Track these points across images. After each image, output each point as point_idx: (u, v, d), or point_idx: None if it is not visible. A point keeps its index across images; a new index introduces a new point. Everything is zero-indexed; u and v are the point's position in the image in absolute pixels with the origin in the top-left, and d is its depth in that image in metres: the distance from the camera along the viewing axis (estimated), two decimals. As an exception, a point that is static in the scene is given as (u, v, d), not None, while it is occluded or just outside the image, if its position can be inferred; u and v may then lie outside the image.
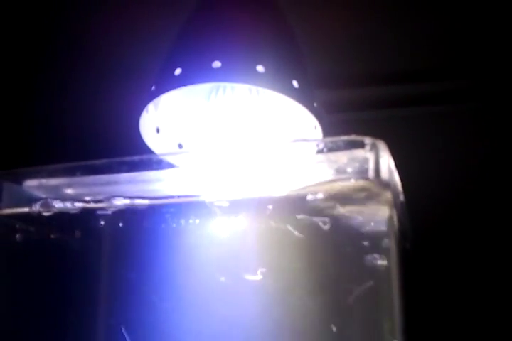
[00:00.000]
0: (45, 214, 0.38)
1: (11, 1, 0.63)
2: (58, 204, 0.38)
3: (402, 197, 0.36)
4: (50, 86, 0.71)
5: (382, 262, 0.33)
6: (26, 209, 0.39)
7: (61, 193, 0.40)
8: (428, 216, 0.58)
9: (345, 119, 0.69)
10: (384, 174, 0.34)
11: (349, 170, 0.34)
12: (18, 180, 0.40)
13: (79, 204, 0.38)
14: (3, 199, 0.40)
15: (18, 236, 0.40)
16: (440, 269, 0.64)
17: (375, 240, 0.34)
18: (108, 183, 0.39)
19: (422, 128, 0.71)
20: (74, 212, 0.38)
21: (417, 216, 0.39)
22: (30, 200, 0.39)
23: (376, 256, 0.34)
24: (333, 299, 0.34)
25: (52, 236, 0.40)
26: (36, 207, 0.39)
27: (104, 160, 0.39)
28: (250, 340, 0.35)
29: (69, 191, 0.40)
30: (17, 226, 0.40)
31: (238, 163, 0.39)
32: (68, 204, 0.38)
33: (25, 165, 0.41)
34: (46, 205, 0.38)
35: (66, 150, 0.71)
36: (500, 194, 0.68)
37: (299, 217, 0.36)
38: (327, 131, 0.46)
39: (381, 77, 0.70)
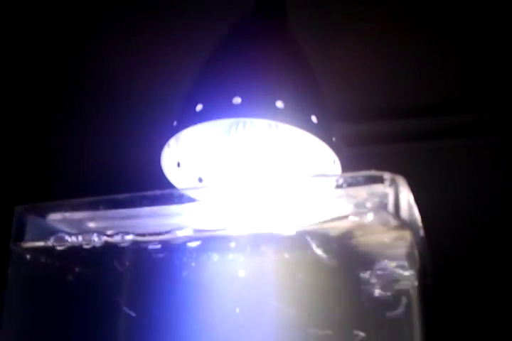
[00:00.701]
0: (62, 248, 0.39)
1: (35, 35, 0.64)
2: (78, 238, 0.39)
3: (422, 233, 0.36)
4: (74, 120, 0.73)
5: (402, 298, 0.33)
6: (48, 243, 0.40)
7: (84, 227, 0.40)
8: (449, 252, 0.58)
9: (364, 153, 0.69)
10: (404, 209, 0.34)
11: (368, 205, 0.34)
12: (42, 213, 0.41)
13: (96, 239, 0.39)
14: (28, 233, 0.41)
15: (42, 269, 0.41)
16: (462, 305, 0.63)
17: (395, 276, 0.34)
18: (130, 217, 0.40)
19: (442, 162, 0.71)
20: (91, 246, 0.39)
21: (438, 252, 0.39)
22: (54, 234, 0.40)
23: (396, 292, 0.33)
24: (351, 336, 0.34)
25: (74, 270, 0.40)
26: (54, 241, 0.39)
27: (127, 195, 0.39)
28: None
29: (92, 225, 0.40)
30: (41, 259, 0.41)
31: (258, 198, 0.39)
32: (87, 238, 0.39)
33: (48, 199, 0.42)
34: (61, 239, 0.39)
35: (89, 185, 0.72)
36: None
37: (318, 252, 0.36)
38: (346, 165, 0.47)
39: (401, 111, 0.70)
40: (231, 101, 0.43)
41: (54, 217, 0.41)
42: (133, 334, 0.39)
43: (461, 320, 0.62)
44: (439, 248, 0.41)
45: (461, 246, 0.65)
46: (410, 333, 0.33)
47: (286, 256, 0.37)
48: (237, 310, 0.36)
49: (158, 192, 0.39)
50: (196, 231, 0.38)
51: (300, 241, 0.36)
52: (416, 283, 0.34)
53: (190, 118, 0.44)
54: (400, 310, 0.33)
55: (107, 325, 0.39)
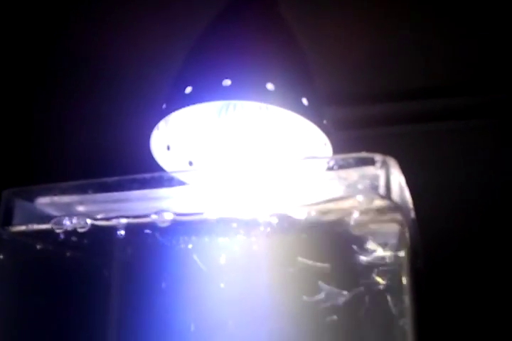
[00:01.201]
0: (57, 231, 0.39)
1: (16, 21, 0.63)
2: (69, 222, 0.39)
3: (413, 215, 0.36)
4: (63, 103, 0.72)
5: (393, 280, 0.33)
6: (38, 227, 0.40)
7: (73, 210, 0.40)
8: (440, 234, 0.58)
9: (356, 136, 0.69)
10: (394, 191, 0.33)
11: (359, 187, 0.34)
12: (30, 197, 0.41)
13: (89, 222, 0.38)
14: (15, 217, 0.40)
15: (30, 253, 0.40)
16: (452, 287, 0.63)
17: (385, 258, 0.34)
18: (119, 200, 0.39)
19: (433, 145, 0.71)
20: (84, 229, 0.38)
21: (429, 234, 0.39)
22: (42, 217, 0.40)
23: (387, 273, 0.33)
24: (343, 317, 0.34)
25: (64, 253, 0.40)
26: (48, 225, 0.39)
27: (116, 178, 0.39)
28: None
29: (80, 208, 0.40)
30: (29, 243, 0.40)
31: (248, 181, 0.39)
32: (79, 222, 0.38)
33: (37, 183, 0.41)
34: (58, 223, 0.39)
35: (78, 168, 0.71)
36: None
37: (309, 234, 0.35)
38: (339, 148, 0.46)
39: (392, 94, 0.70)
40: (221, 84, 0.42)
41: (42, 201, 0.41)
42: (125, 320, 0.38)
43: (452, 301, 0.62)
44: (431, 230, 0.41)
45: (454, 229, 0.65)
46: (401, 315, 0.33)
47: (276, 238, 0.36)
48: (232, 295, 0.36)
49: (147, 175, 0.39)
50: (186, 214, 0.38)
51: (291, 223, 0.36)
52: (406, 265, 0.34)
53: (179, 101, 0.43)
54: (391, 291, 0.33)
55: (98, 309, 0.39)
